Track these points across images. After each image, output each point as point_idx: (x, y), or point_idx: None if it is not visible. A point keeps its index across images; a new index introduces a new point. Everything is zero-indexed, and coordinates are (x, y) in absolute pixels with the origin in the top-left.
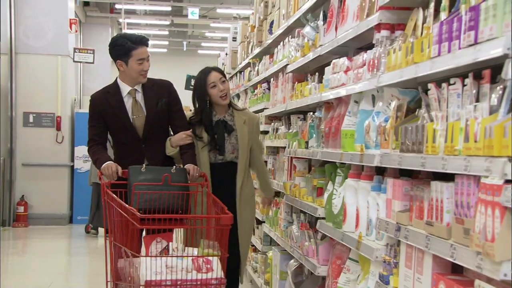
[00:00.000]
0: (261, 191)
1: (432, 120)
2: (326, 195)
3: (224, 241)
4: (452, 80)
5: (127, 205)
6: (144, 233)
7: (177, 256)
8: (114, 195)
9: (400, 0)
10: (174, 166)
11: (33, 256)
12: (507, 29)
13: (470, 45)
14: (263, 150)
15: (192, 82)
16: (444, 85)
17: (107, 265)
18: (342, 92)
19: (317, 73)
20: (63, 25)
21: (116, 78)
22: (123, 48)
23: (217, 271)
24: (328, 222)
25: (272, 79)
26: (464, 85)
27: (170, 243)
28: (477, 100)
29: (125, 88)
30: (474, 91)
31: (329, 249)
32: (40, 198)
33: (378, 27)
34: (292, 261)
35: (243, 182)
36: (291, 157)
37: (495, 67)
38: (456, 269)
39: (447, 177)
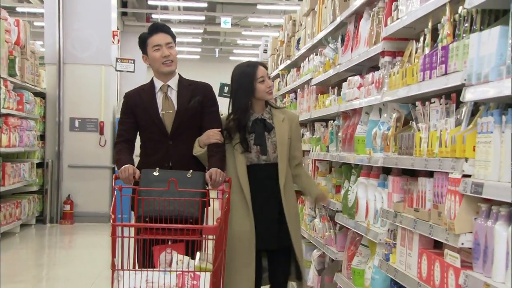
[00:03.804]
0: (308, 193)
1: (419, 130)
2: (343, 191)
3: (215, 253)
4: (432, 100)
5: (113, 212)
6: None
7: (161, 270)
8: (115, 201)
9: (399, 33)
10: (191, 170)
11: (80, 250)
12: (465, 65)
13: (443, 75)
14: (301, 155)
15: (225, 89)
16: (427, 103)
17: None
18: (356, 104)
19: (336, 87)
20: (107, 36)
21: (152, 76)
22: (140, 40)
23: None
24: (344, 214)
25: (298, 90)
26: (440, 104)
27: (176, 254)
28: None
29: (158, 84)
30: (448, 109)
31: (345, 238)
32: (84, 197)
33: (383, 53)
34: (315, 251)
35: (285, 182)
36: (315, 160)
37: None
38: (438, 246)
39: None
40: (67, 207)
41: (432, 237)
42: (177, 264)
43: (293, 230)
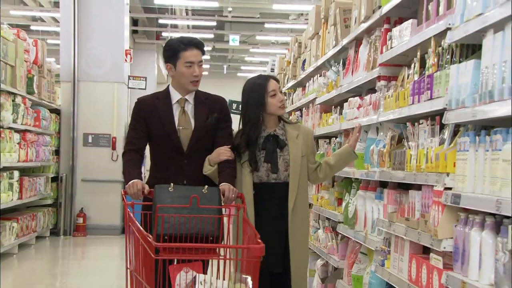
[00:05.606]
0: (344, 155)
1: (409, 148)
2: (344, 204)
3: (255, 275)
4: (421, 121)
5: (143, 231)
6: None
7: None
8: (133, 218)
9: (393, 60)
10: (206, 186)
11: (93, 261)
12: (446, 92)
13: (428, 100)
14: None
15: (234, 106)
16: (416, 124)
17: None
18: (356, 123)
19: (339, 107)
20: (120, 55)
21: (168, 85)
22: (172, 49)
23: None
24: (345, 225)
25: (304, 108)
26: (427, 125)
27: (198, 274)
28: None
29: (175, 96)
30: (434, 129)
31: (346, 247)
32: (97, 210)
33: (379, 78)
34: (318, 260)
35: (295, 204)
36: None
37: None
38: (426, 252)
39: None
40: (80, 220)
41: (420, 243)
42: (201, 284)
43: (296, 256)
